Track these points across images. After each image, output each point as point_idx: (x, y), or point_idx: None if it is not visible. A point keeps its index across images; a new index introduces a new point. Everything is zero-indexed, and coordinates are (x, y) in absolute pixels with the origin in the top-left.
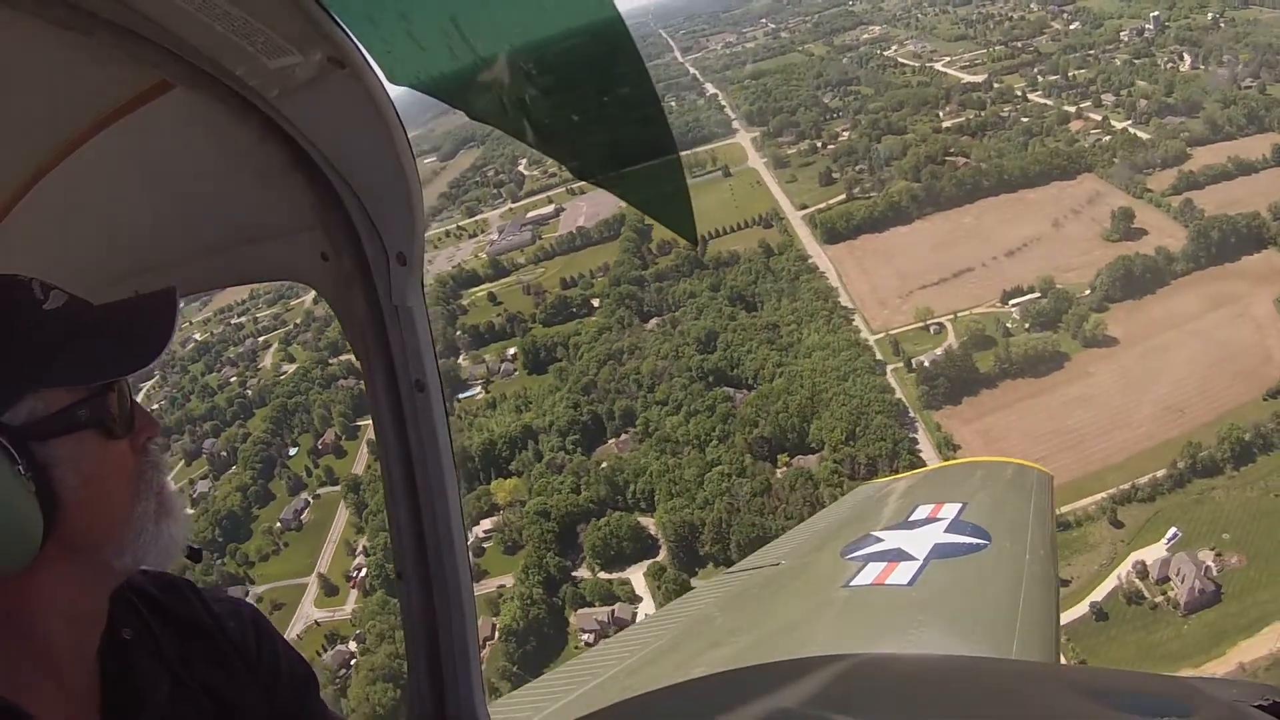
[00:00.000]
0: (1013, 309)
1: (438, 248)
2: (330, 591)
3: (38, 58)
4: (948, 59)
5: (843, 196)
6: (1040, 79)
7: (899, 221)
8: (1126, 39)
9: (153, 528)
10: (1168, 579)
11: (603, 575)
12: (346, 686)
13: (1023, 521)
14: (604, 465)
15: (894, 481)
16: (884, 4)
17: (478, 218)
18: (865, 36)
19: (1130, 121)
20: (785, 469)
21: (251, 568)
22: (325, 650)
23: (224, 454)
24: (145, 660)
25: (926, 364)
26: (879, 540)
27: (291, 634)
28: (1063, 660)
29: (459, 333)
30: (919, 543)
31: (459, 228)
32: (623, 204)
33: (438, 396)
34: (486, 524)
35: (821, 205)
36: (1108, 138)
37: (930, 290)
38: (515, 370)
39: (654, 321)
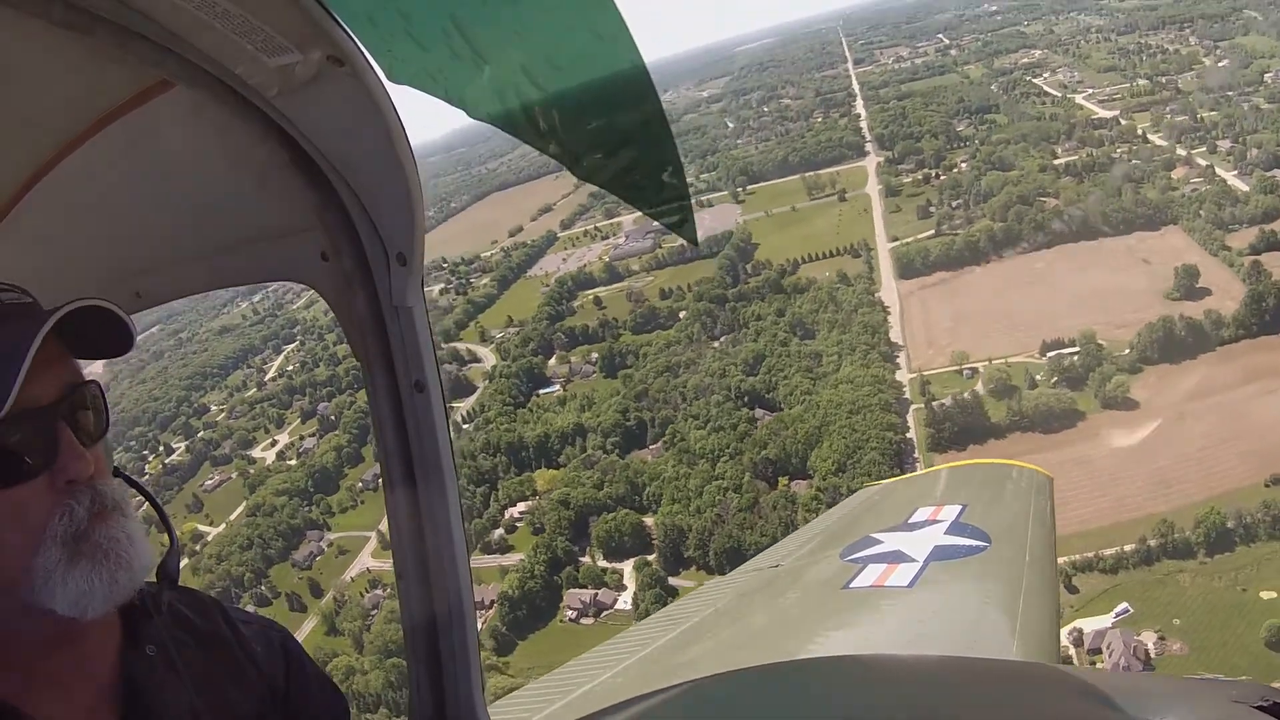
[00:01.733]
0: (1045, 361)
1: (574, 246)
2: (387, 546)
3: (38, 58)
4: (1091, 91)
5: (931, 232)
6: (1168, 118)
7: (975, 261)
8: (1271, 80)
9: (60, 575)
10: (1099, 650)
11: (601, 563)
12: (370, 624)
13: (1022, 523)
14: (630, 467)
15: (894, 484)
16: (1056, 26)
17: (614, 220)
18: (1024, 61)
19: (1235, 172)
20: (779, 491)
21: (331, 516)
22: (366, 593)
23: (332, 417)
24: (167, 677)
25: (938, 408)
26: (879, 542)
27: (348, 576)
28: (1062, 661)
29: (557, 333)
30: (919, 544)
31: (595, 229)
32: (739, 221)
33: (438, 396)
34: (523, 506)
35: (910, 239)
36: (1207, 187)
37: (977, 333)
38: (594, 373)
39: (721, 340)
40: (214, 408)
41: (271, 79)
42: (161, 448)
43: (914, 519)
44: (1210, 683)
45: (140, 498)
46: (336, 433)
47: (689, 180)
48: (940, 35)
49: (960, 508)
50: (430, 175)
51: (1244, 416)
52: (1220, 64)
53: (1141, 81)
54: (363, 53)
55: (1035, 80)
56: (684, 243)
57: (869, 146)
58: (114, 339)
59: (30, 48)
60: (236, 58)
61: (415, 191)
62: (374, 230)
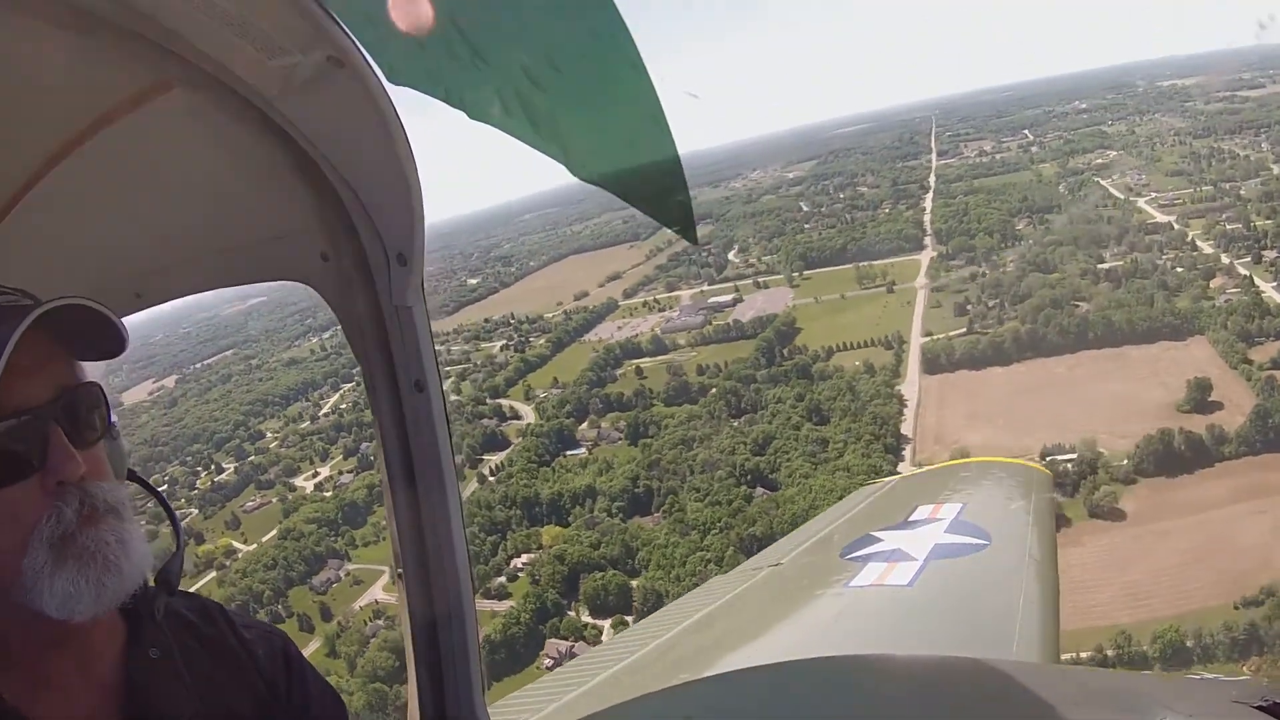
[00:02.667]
0: (1044, 464)
1: (632, 316)
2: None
3: (38, 58)
4: (1155, 195)
5: (964, 329)
6: (1219, 225)
7: (999, 362)
8: None
9: (47, 578)
10: None
11: (585, 618)
12: (365, 650)
13: (1022, 521)
14: (628, 531)
15: (894, 482)
16: (1138, 127)
17: (674, 293)
18: (1098, 161)
19: (1276, 283)
20: None
21: (353, 548)
22: (369, 622)
23: (371, 457)
24: (170, 680)
25: None
26: (879, 540)
27: (357, 604)
28: (1062, 660)
29: (594, 398)
30: (919, 543)
31: (655, 300)
32: (789, 304)
33: (438, 396)
34: (526, 558)
35: (942, 335)
36: (1242, 298)
37: (985, 432)
38: (619, 439)
39: (742, 420)
40: (269, 434)
41: (271, 80)
42: (213, 466)
43: (914, 517)
44: (1211, 683)
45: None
46: (371, 472)
47: (751, 260)
48: (1026, 131)
49: (960, 506)
50: (518, 232)
51: (1227, 536)
52: None
53: (1206, 187)
54: (363, 53)
55: (1103, 182)
56: (731, 322)
57: (927, 240)
58: (110, 340)
59: (30, 48)
60: (236, 58)
61: (415, 191)
62: (374, 230)
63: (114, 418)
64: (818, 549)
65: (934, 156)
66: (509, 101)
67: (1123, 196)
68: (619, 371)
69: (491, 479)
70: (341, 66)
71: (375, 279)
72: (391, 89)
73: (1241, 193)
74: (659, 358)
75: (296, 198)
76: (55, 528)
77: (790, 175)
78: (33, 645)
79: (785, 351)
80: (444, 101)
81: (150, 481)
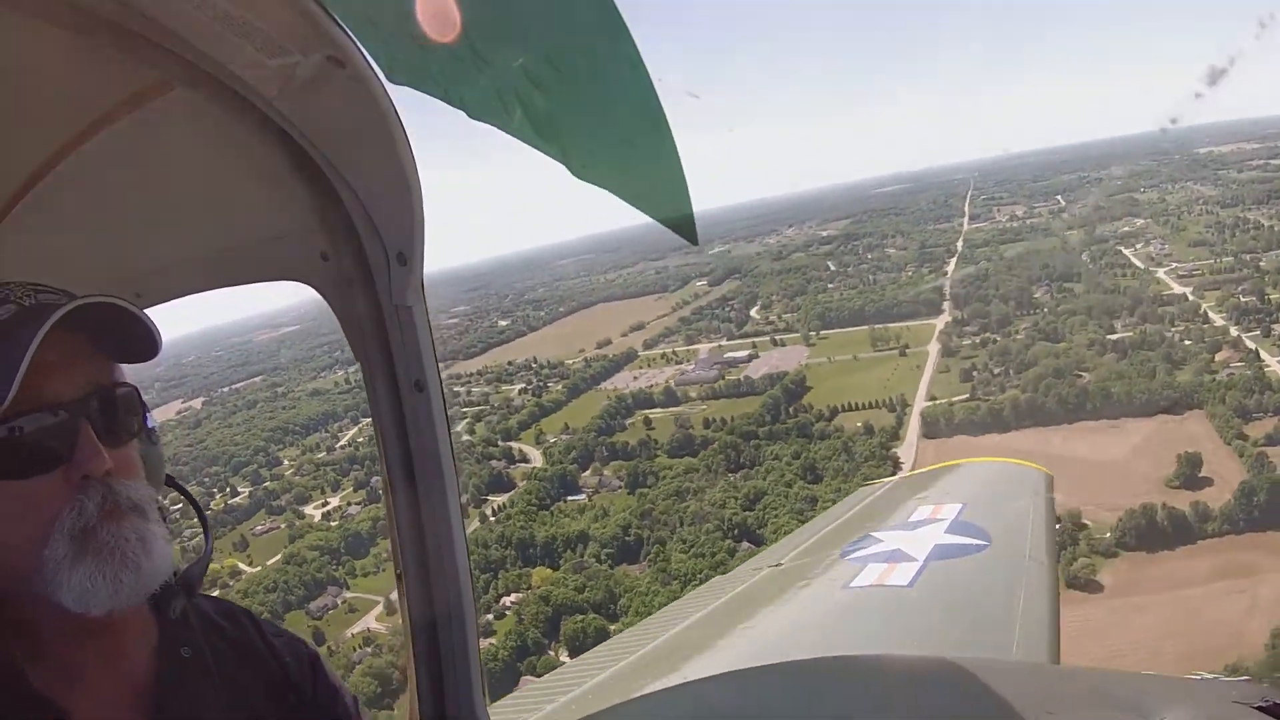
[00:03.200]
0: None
1: (649, 366)
2: (392, 612)
3: (38, 58)
4: (1175, 265)
5: (967, 395)
6: (1233, 298)
7: (997, 429)
8: None
9: (66, 570)
10: None
11: (564, 658)
12: (349, 676)
13: (1022, 522)
14: (613, 577)
15: (894, 482)
16: (1169, 195)
17: (693, 346)
18: (1124, 229)
19: None
20: None
21: (353, 577)
22: (357, 649)
23: (380, 491)
24: (200, 681)
25: None
26: (879, 541)
27: (349, 632)
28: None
29: (600, 446)
30: (919, 543)
31: (674, 352)
32: (802, 363)
33: (438, 396)
34: (515, 597)
35: (944, 400)
36: (1246, 372)
37: None
38: (619, 487)
39: (738, 474)
40: (286, 462)
41: (272, 80)
42: (229, 489)
43: (914, 518)
44: (1211, 683)
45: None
46: (378, 505)
47: (771, 317)
48: (1059, 196)
49: (960, 506)
50: (554, 277)
51: (1199, 614)
52: None
53: (1226, 258)
54: (363, 53)
55: (1125, 251)
56: (743, 378)
57: (945, 305)
58: (143, 341)
59: (30, 48)
60: (237, 58)
61: (415, 191)
62: (374, 230)
63: (153, 423)
64: (818, 549)
65: (966, 220)
66: (509, 102)
67: (1143, 266)
68: (629, 421)
69: (492, 519)
70: (341, 66)
71: (375, 279)
72: (391, 89)
73: (1261, 264)
74: (669, 409)
75: (296, 198)
76: (77, 520)
77: (824, 233)
78: (60, 637)
79: (791, 409)
80: (444, 101)
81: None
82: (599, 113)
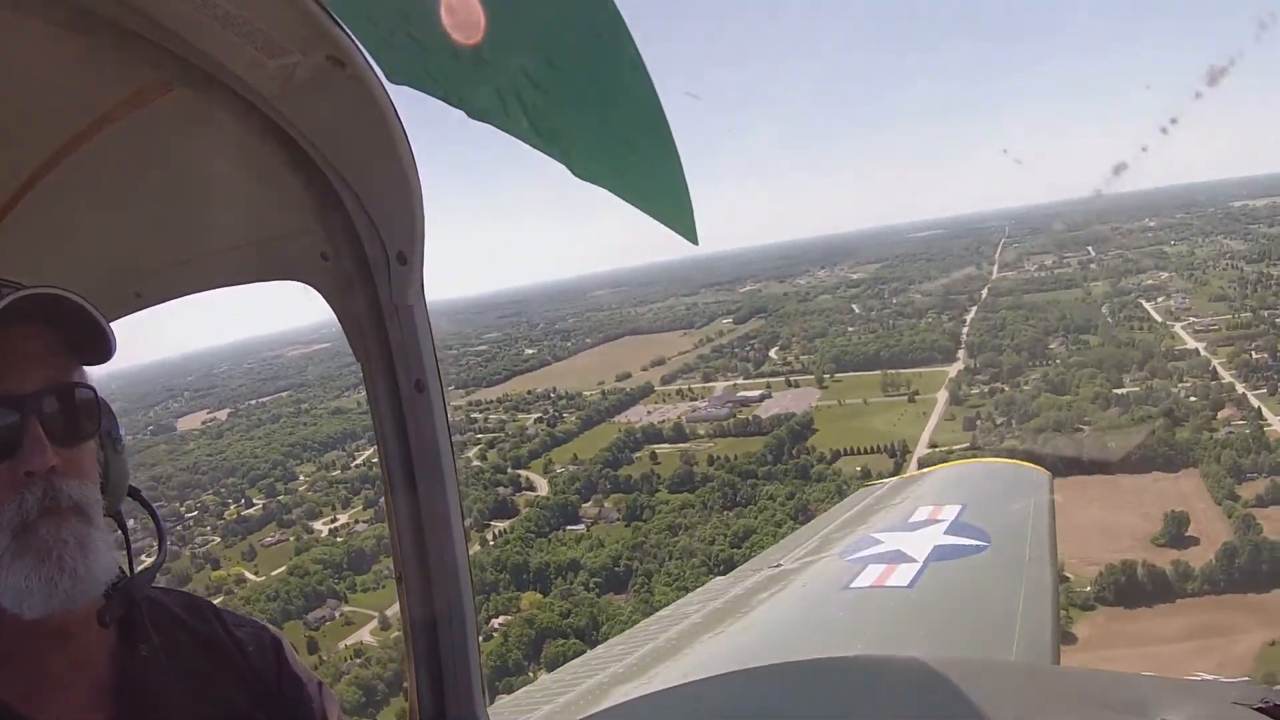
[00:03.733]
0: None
1: (664, 402)
2: (385, 626)
3: (38, 58)
4: (1193, 320)
5: (968, 444)
6: (1248, 354)
7: None
8: None
9: (5, 568)
10: None
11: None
12: (336, 683)
13: (1022, 522)
14: (597, 605)
15: (894, 483)
16: (1198, 249)
17: (709, 384)
18: (1148, 282)
19: None
20: None
21: (352, 592)
22: (346, 660)
23: (381, 491)
24: (162, 676)
25: None
26: (879, 542)
27: (343, 644)
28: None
29: (604, 479)
30: (919, 544)
31: (690, 389)
32: (812, 405)
33: (438, 396)
34: (504, 619)
35: (944, 447)
36: (1246, 431)
37: None
38: (617, 519)
39: (733, 512)
40: (302, 477)
41: (272, 80)
42: (244, 499)
43: (914, 519)
44: (1211, 684)
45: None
46: (383, 523)
47: (789, 358)
48: (1089, 247)
49: (960, 507)
50: (586, 308)
51: (1166, 670)
52: None
53: (1245, 314)
54: (363, 54)
55: (1146, 304)
56: (751, 417)
57: (960, 353)
58: (97, 339)
59: (30, 48)
60: (237, 59)
61: (415, 191)
62: (374, 230)
63: (120, 432)
64: (818, 550)
65: (995, 268)
66: (509, 102)
67: (1161, 320)
68: (636, 455)
69: (491, 544)
70: (341, 66)
71: (375, 279)
72: (391, 89)
73: (1278, 322)
74: (677, 445)
75: (296, 198)
76: (16, 514)
77: (854, 276)
78: (19, 640)
79: (794, 450)
80: (444, 101)
81: (175, 506)
82: (599, 113)
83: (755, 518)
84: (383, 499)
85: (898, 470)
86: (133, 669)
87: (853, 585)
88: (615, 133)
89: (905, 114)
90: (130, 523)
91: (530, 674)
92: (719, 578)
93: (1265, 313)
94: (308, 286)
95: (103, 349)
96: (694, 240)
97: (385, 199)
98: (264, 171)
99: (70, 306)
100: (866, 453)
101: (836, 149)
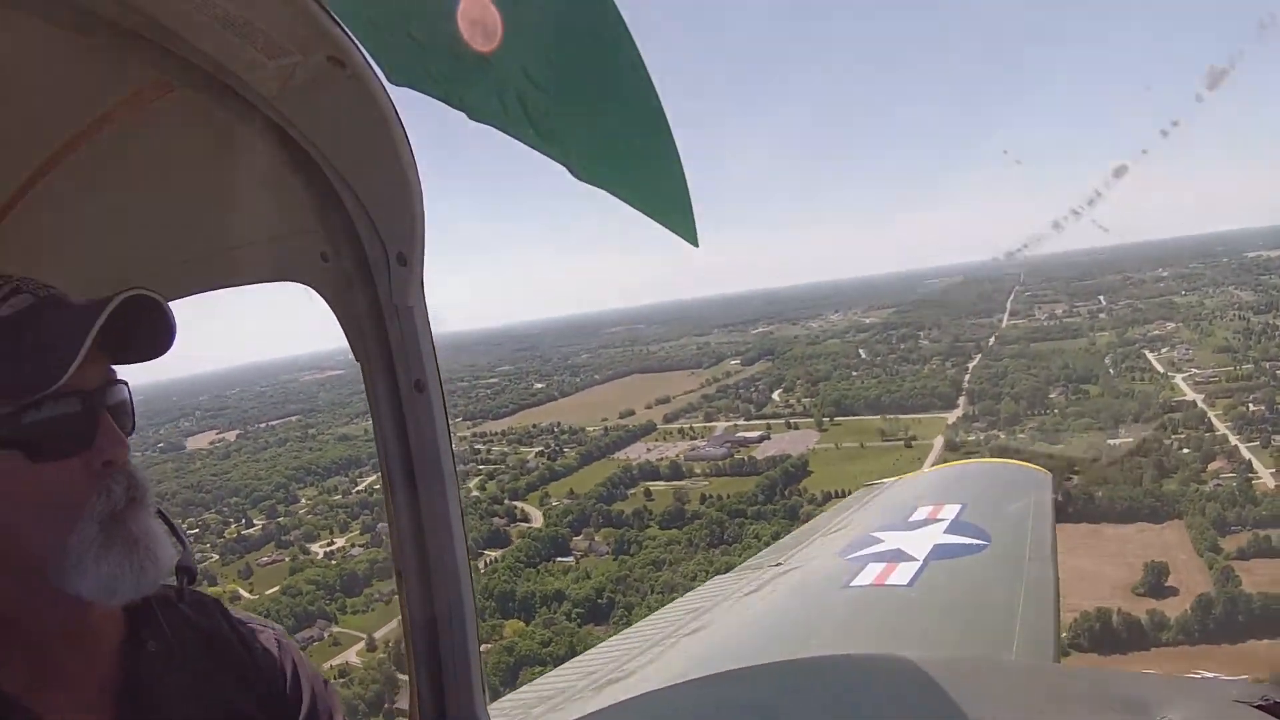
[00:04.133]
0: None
1: (665, 440)
2: (372, 648)
3: (38, 58)
4: (1194, 371)
5: None
6: (1244, 406)
7: None
8: None
9: (94, 557)
10: None
11: None
12: None
13: (1022, 522)
14: (576, 635)
15: (894, 482)
16: (1208, 299)
17: (710, 424)
18: (1155, 333)
19: (1275, 469)
20: None
21: (342, 613)
22: (333, 680)
23: (384, 537)
24: (169, 673)
25: None
26: (879, 541)
27: (329, 663)
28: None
29: (596, 513)
30: (919, 543)
31: (691, 428)
32: (808, 448)
33: (438, 396)
34: (487, 646)
35: None
36: (1235, 483)
37: None
38: (606, 553)
39: (717, 549)
40: (303, 500)
41: (272, 80)
42: (244, 519)
43: (914, 518)
44: (1211, 682)
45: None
46: (379, 549)
47: (791, 401)
48: (1101, 296)
49: (960, 506)
50: (600, 344)
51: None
52: None
53: (1247, 365)
54: (363, 54)
55: (1150, 354)
56: (747, 457)
57: (960, 400)
58: (158, 337)
59: (30, 48)
60: (237, 59)
61: (415, 191)
62: (374, 230)
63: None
64: (818, 549)
65: (1005, 316)
66: (509, 103)
67: (1163, 371)
68: (631, 491)
69: (482, 571)
70: (341, 66)
71: (375, 279)
72: (391, 89)
73: (1277, 373)
74: (673, 482)
75: (296, 198)
76: (105, 505)
77: (867, 320)
78: (39, 633)
79: (785, 491)
80: (444, 102)
81: (177, 523)
82: (599, 113)
83: (740, 555)
84: (381, 525)
85: None
86: (140, 665)
87: (853, 584)
88: (615, 133)
89: (933, 164)
90: None
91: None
92: (719, 576)
93: (1267, 364)
94: (308, 287)
95: (148, 352)
96: (694, 242)
97: (385, 199)
98: (264, 171)
99: (160, 314)
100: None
101: (861, 195)
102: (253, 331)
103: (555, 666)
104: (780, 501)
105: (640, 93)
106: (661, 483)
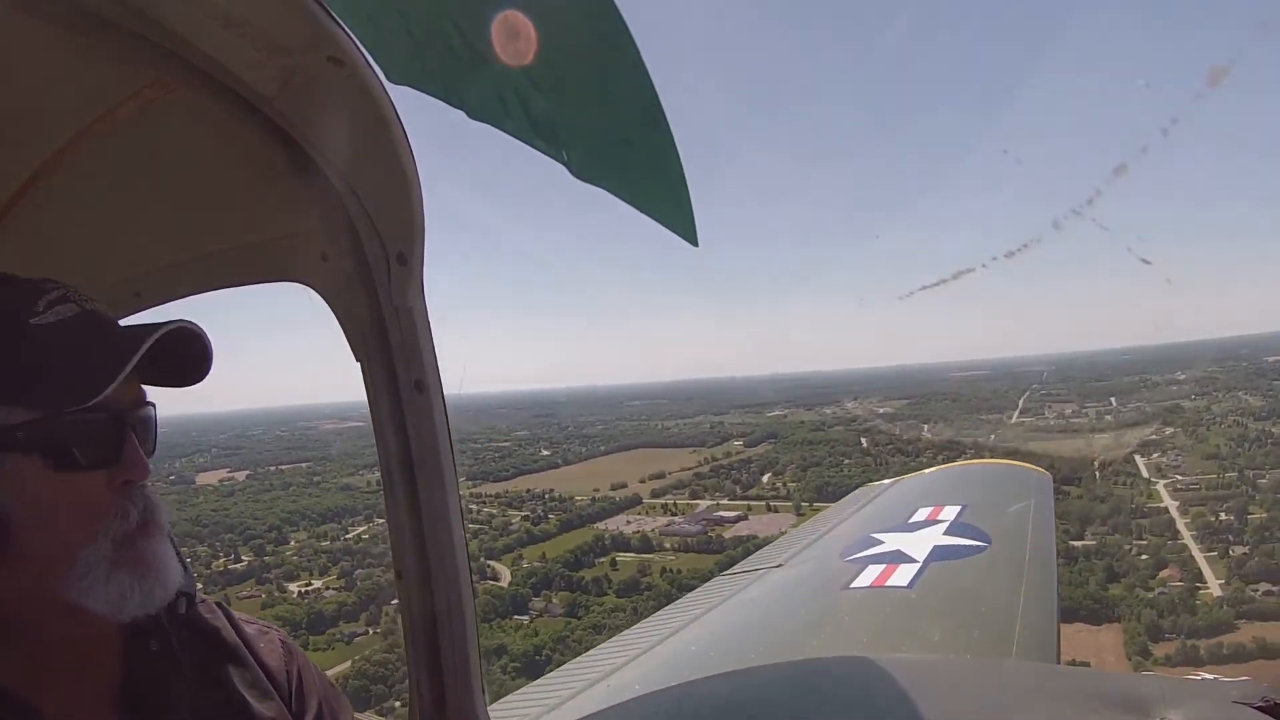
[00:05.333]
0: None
1: (648, 514)
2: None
3: (38, 58)
4: (1178, 478)
5: None
6: (1215, 516)
7: None
8: None
9: (103, 574)
10: None
11: None
12: None
13: (1022, 523)
14: (506, 688)
15: (894, 483)
16: (1215, 405)
17: (695, 500)
18: (1152, 437)
19: (1224, 581)
20: None
21: (305, 648)
22: None
23: (359, 583)
24: (170, 673)
25: None
26: (879, 542)
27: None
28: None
29: (559, 577)
30: (919, 545)
31: (675, 504)
32: (780, 529)
33: (438, 396)
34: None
35: None
36: (1178, 592)
37: None
38: (560, 614)
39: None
40: (293, 542)
41: (272, 80)
42: (233, 555)
43: (914, 519)
44: (1211, 683)
45: None
46: (350, 593)
47: (778, 484)
48: (1112, 398)
49: (960, 507)
50: (618, 416)
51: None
52: None
53: (1230, 474)
54: (363, 54)
55: (1139, 459)
56: (714, 536)
57: None
58: (186, 368)
59: (30, 48)
60: (236, 58)
61: (415, 191)
62: (374, 230)
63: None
64: (818, 550)
65: (1016, 414)
66: (509, 102)
67: (1147, 476)
68: (599, 559)
69: None
70: (341, 66)
71: (375, 279)
72: (391, 89)
73: (1261, 482)
74: (641, 555)
75: (296, 198)
76: (120, 525)
77: (880, 410)
78: (41, 632)
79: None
80: (444, 102)
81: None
82: (599, 114)
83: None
84: (358, 570)
85: None
86: (141, 665)
87: (852, 585)
88: (615, 133)
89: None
90: None
91: None
92: (719, 577)
93: (1251, 473)
94: (307, 287)
95: (181, 379)
96: (694, 242)
97: (385, 199)
98: (264, 171)
99: (200, 345)
100: None
101: (902, 281)
102: (283, 375)
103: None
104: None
105: (640, 93)
106: (630, 554)
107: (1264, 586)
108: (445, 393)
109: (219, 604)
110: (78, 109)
